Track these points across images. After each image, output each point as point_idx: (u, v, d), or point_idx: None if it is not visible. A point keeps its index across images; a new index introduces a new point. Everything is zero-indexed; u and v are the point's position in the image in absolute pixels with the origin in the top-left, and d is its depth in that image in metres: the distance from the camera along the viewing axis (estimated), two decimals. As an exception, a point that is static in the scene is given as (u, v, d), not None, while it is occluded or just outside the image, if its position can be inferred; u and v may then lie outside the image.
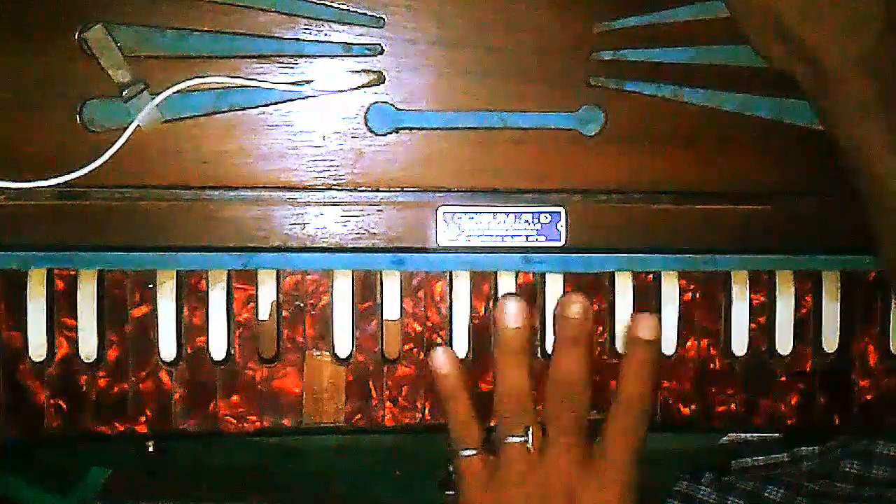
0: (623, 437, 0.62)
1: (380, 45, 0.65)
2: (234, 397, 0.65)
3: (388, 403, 0.66)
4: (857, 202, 0.62)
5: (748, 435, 0.83)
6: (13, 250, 0.63)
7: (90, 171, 0.62)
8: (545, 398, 0.62)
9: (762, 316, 0.68)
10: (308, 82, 0.64)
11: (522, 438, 0.61)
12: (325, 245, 0.65)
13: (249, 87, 0.64)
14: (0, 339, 0.63)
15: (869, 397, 0.69)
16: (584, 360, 0.61)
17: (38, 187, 0.62)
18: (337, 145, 0.65)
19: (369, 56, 0.65)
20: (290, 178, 0.65)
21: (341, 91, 0.65)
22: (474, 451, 0.62)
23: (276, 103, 0.64)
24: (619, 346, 0.66)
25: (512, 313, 0.61)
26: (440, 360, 0.62)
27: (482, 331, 0.66)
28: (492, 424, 0.63)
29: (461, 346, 0.66)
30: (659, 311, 0.67)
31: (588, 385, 0.61)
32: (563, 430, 0.61)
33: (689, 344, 0.67)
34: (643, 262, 0.67)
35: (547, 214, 0.66)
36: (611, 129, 0.66)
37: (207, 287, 0.64)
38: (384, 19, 0.64)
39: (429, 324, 0.66)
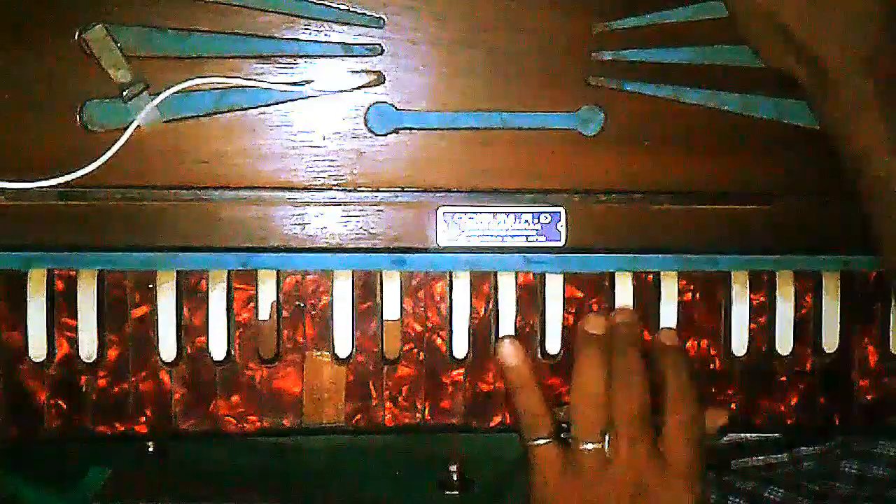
0: (682, 430, 0.62)
1: (380, 45, 0.65)
2: (234, 397, 0.65)
3: (388, 403, 0.66)
4: (857, 202, 0.62)
5: (748, 435, 0.83)
6: (13, 250, 0.63)
7: (90, 171, 0.62)
8: (614, 396, 0.63)
9: (762, 316, 0.68)
10: (308, 82, 0.64)
11: (598, 445, 0.62)
12: (325, 245, 0.65)
13: (249, 87, 0.64)
14: (0, 339, 0.63)
15: (869, 397, 0.69)
16: (636, 358, 0.63)
17: (38, 187, 0.62)
18: (337, 145, 0.65)
19: (369, 56, 0.65)
20: (290, 178, 0.65)
21: (341, 91, 0.65)
22: (548, 440, 0.63)
23: (276, 103, 0.64)
24: None
25: (508, 352, 0.65)
26: (508, 351, 0.64)
27: (482, 331, 0.66)
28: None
29: (461, 346, 0.66)
30: (659, 311, 0.67)
31: (643, 380, 0.63)
32: (626, 425, 0.62)
33: (689, 344, 0.67)
34: (643, 262, 0.67)
35: (547, 214, 0.66)
36: (611, 129, 0.66)
37: (207, 287, 0.64)
38: (384, 19, 0.64)
39: (429, 324, 0.66)
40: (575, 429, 0.63)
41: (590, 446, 0.62)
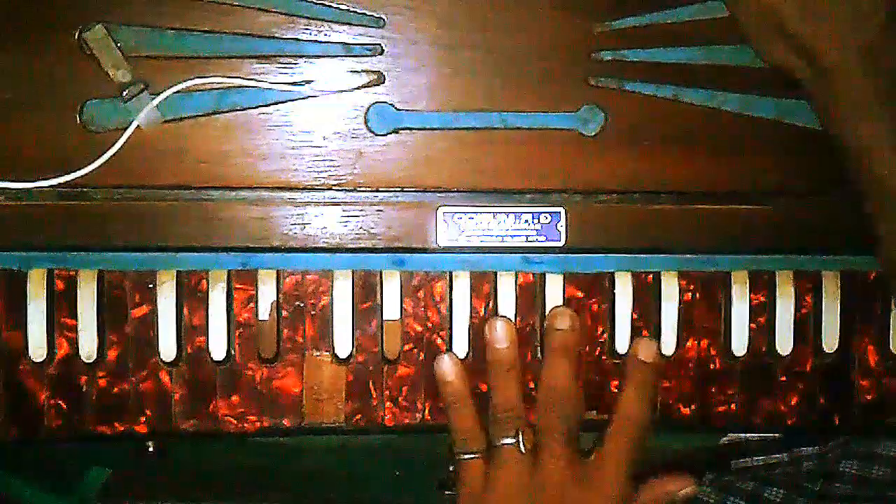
0: (617, 455, 0.64)
1: (380, 45, 0.65)
2: (234, 397, 0.65)
3: (388, 403, 0.66)
4: (857, 202, 0.62)
5: (748, 435, 0.83)
6: (13, 250, 0.63)
7: (90, 171, 0.62)
8: (536, 405, 0.65)
9: (762, 316, 0.68)
10: (308, 82, 0.64)
11: (514, 440, 0.63)
12: (325, 245, 0.65)
13: (249, 87, 0.64)
14: (0, 339, 0.63)
15: (869, 397, 0.69)
16: (571, 370, 0.64)
17: (38, 187, 0.62)
18: (337, 145, 0.65)
19: (369, 56, 0.65)
20: (290, 178, 0.65)
21: (341, 91, 0.65)
22: (476, 455, 0.64)
23: (276, 103, 0.64)
24: (620, 346, 0.66)
25: (500, 335, 0.64)
26: (445, 367, 0.64)
27: (482, 331, 0.66)
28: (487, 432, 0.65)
29: (461, 346, 0.66)
30: (659, 311, 0.67)
31: (574, 394, 0.64)
32: (552, 436, 0.63)
33: (689, 344, 0.67)
34: (643, 262, 0.67)
35: (547, 214, 0.66)
36: (611, 129, 0.66)
37: (207, 287, 0.64)
38: (384, 19, 0.64)
39: (429, 324, 0.66)
40: (492, 430, 0.64)
41: (506, 441, 0.63)
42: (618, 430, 0.64)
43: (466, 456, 0.64)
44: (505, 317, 0.65)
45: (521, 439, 0.63)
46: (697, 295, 0.67)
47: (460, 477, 0.64)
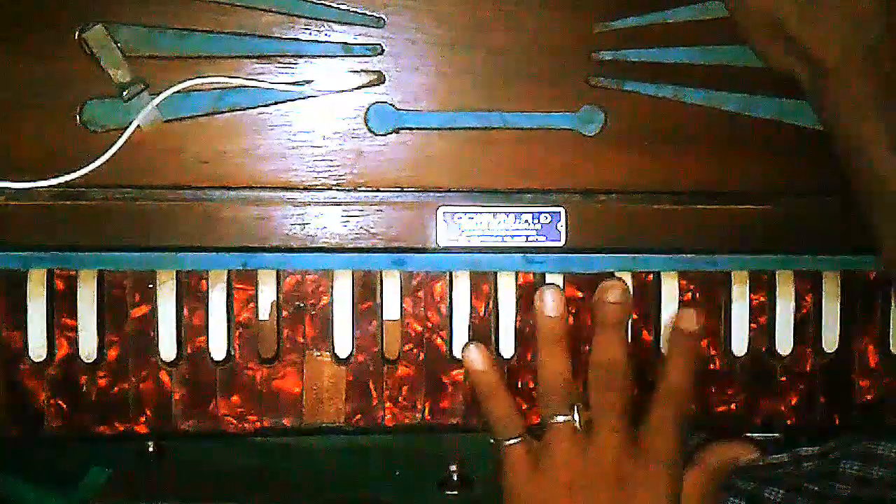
0: (667, 424, 0.62)
1: (380, 45, 0.65)
2: (234, 397, 0.65)
3: (388, 403, 0.66)
4: (857, 202, 0.62)
5: (748, 435, 0.83)
6: (13, 250, 0.63)
7: (90, 171, 0.62)
8: (587, 383, 0.63)
9: (762, 316, 0.68)
10: (308, 82, 0.64)
11: (568, 418, 0.62)
12: (325, 245, 0.65)
13: (249, 87, 0.64)
14: (0, 339, 0.63)
15: (869, 397, 0.69)
16: (623, 342, 0.63)
17: (38, 187, 0.62)
18: (337, 145, 0.65)
19: (369, 56, 0.65)
20: (290, 178, 0.65)
21: (341, 91, 0.65)
22: (519, 439, 0.63)
23: (276, 103, 0.64)
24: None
25: (551, 303, 0.62)
26: (474, 356, 0.63)
27: (482, 331, 0.66)
28: (536, 419, 0.64)
29: (461, 346, 0.66)
30: (659, 311, 0.67)
31: (628, 367, 0.62)
32: (607, 413, 0.62)
33: (689, 344, 0.67)
34: (643, 262, 0.67)
35: (547, 214, 0.66)
36: (611, 129, 0.66)
37: (207, 287, 0.64)
38: (384, 19, 0.64)
39: (429, 324, 0.66)
40: (543, 410, 0.63)
41: (560, 419, 0.62)
42: (665, 400, 0.63)
43: (510, 441, 0.63)
44: (554, 284, 0.64)
45: (576, 415, 0.61)
46: (697, 295, 0.67)
47: (506, 463, 0.63)
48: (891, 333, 0.68)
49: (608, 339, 0.63)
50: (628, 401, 0.62)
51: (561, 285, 0.66)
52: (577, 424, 0.62)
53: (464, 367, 0.64)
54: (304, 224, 0.65)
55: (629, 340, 0.64)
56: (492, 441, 0.64)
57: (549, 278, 0.66)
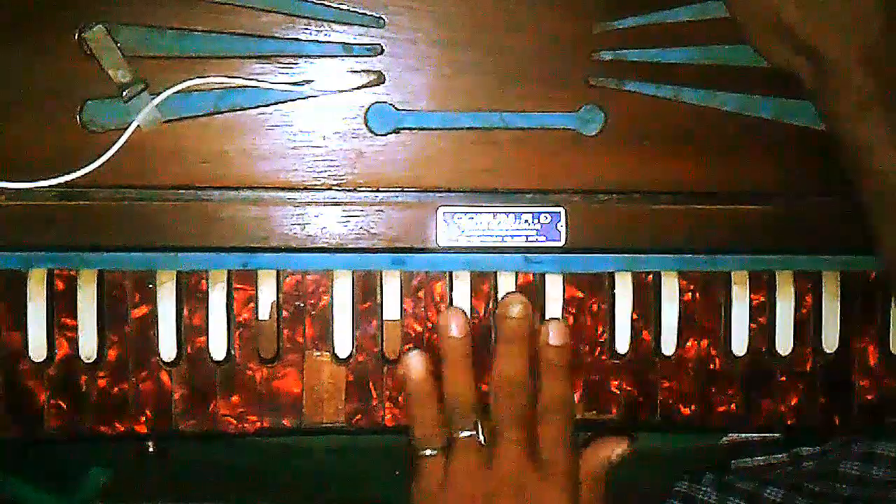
0: (558, 434, 0.64)
1: (380, 45, 0.65)
2: (234, 397, 0.65)
3: (388, 403, 0.66)
4: (857, 202, 0.62)
5: (748, 435, 0.83)
6: (13, 250, 0.63)
7: (90, 172, 0.62)
8: (491, 397, 0.64)
9: (762, 316, 0.68)
10: (308, 82, 0.64)
11: (472, 433, 0.63)
12: (325, 245, 0.65)
13: (249, 87, 0.64)
14: (0, 339, 0.63)
15: (869, 397, 0.69)
16: (524, 356, 0.64)
17: (38, 187, 0.62)
18: (337, 145, 0.65)
19: (369, 56, 0.65)
20: (290, 178, 0.65)
21: (341, 91, 0.65)
22: (436, 452, 0.64)
23: (276, 103, 0.64)
24: (620, 346, 0.66)
25: (454, 324, 0.64)
26: (415, 363, 0.64)
27: (482, 331, 0.66)
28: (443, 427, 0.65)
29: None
30: (659, 311, 0.67)
31: (530, 381, 0.64)
32: (508, 425, 0.63)
33: (689, 344, 0.67)
34: (643, 262, 0.67)
35: (547, 214, 0.66)
36: (611, 129, 0.66)
37: (207, 287, 0.64)
38: (384, 19, 0.64)
39: (429, 324, 0.66)
40: (450, 424, 0.63)
41: (464, 434, 0.63)
42: (548, 414, 0.64)
43: (428, 452, 0.64)
44: (458, 307, 0.65)
45: (479, 430, 0.63)
46: (697, 295, 0.67)
47: (417, 474, 0.64)
48: (891, 333, 0.68)
49: (510, 352, 0.64)
50: (530, 413, 0.64)
51: (561, 285, 0.66)
52: (479, 438, 0.63)
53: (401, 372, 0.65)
54: (304, 224, 0.65)
55: (532, 355, 0.64)
56: (406, 449, 0.65)
57: (549, 278, 0.66)
